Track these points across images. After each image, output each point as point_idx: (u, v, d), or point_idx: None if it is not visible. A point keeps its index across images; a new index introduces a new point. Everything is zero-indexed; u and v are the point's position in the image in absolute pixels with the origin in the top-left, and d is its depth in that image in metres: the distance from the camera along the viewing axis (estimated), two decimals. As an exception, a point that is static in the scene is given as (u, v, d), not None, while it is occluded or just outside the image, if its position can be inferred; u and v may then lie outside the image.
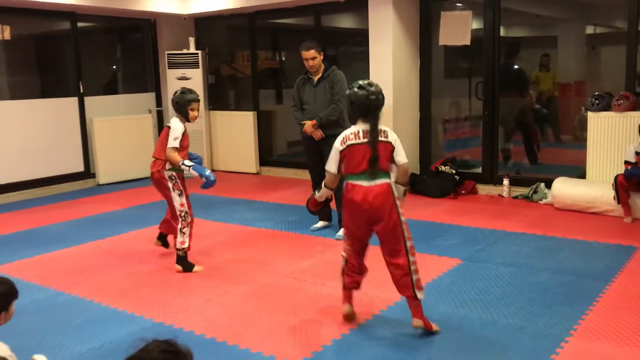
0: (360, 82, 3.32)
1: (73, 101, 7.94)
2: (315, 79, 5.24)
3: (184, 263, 4.45)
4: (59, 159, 7.75)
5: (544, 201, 6.23)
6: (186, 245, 4.43)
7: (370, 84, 3.30)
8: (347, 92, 3.35)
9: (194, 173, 4.31)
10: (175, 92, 4.57)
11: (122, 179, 8.19)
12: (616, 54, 6.54)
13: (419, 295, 3.24)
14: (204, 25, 9.06)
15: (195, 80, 8.60)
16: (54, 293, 4.06)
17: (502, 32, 6.91)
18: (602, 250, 4.65)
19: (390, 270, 3.31)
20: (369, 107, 3.23)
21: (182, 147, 4.39)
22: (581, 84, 7.64)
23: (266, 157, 8.79)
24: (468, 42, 6.71)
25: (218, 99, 9.23)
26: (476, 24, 6.88)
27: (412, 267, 3.24)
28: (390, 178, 3.27)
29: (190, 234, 4.47)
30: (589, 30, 8.06)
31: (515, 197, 6.52)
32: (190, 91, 4.54)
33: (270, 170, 8.65)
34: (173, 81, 8.63)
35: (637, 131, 5.38)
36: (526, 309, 3.55)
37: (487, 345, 3.12)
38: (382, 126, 3.27)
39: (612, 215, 5.57)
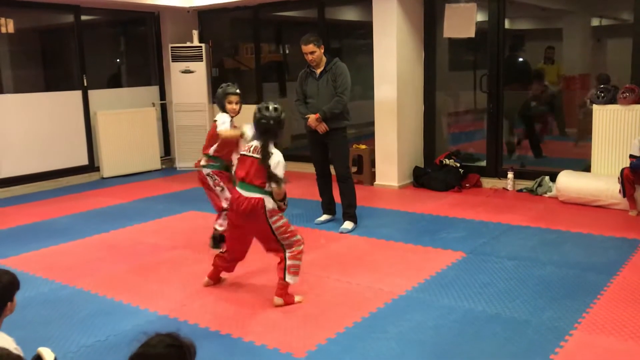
0: (265, 104, 3.77)
1: (77, 94, 7.95)
2: (318, 72, 5.22)
3: (217, 240, 4.64)
4: (63, 153, 7.76)
5: (548, 194, 6.21)
6: (224, 228, 4.51)
7: (267, 108, 3.72)
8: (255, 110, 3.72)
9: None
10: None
11: (126, 172, 8.21)
12: (622, 47, 6.50)
13: (289, 279, 3.61)
14: (208, 18, 9.04)
15: (198, 73, 8.60)
16: (59, 286, 4.08)
17: (507, 25, 6.87)
18: (606, 244, 4.64)
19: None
20: (261, 128, 3.65)
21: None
22: (586, 76, 7.60)
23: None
24: (472, 35, 6.67)
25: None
26: (481, 17, 6.84)
27: (288, 255, 3.62)
28: (263, 193, 3.57)
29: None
30: (595, 22, 8.01)
31: (520, 191, 6.50)
32: (229, 84, 4.69)
33: (274, 163, 8.62)
34: (177, 74, 8.62)
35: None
36: (530, 303, 3.55)
37: (491, 339, 3.12)
38: (272, 148, 3.62)
39: (617, 208, 5.55)
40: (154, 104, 8.84)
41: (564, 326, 3.22)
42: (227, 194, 4.47)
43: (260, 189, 3.57)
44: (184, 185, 7.50)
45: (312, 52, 5.10)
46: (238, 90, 4.69)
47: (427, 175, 6.86)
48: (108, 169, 8.08)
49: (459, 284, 3.89)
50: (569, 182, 5.88)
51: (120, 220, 5.79)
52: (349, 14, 9.01)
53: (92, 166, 8.10)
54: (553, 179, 6.16)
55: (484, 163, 6.98)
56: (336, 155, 5.29)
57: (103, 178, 8.04)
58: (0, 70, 7.41)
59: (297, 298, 3.69)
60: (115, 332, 3.31)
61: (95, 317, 3.53)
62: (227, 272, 3.99)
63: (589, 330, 3.17)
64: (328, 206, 5.54)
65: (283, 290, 3.64)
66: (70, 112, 7.85)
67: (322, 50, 5.18)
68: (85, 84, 7.98)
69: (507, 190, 6.59)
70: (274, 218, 3.61)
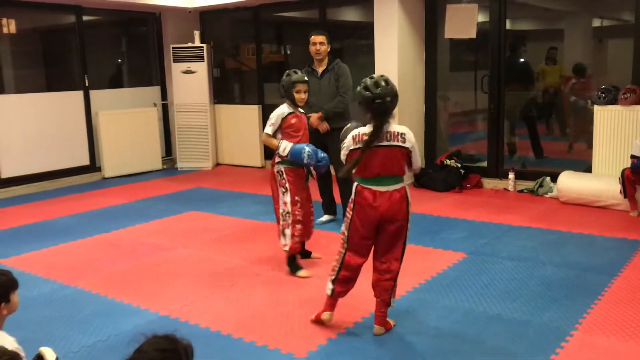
0: (369, 80, 3.12)
1: (78, 95, 7.96)
2: (320, 71, 5.24)
3: (290, 264, 4.18)
4: (65, 153, 7.77)
5: (549, 195, 6.21)
6: (287, 247, 4.12)
7: (377, 84, 3.09)
8: (357, 89, 3.17)
9: (292, 158, 4.02)
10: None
11: (127, 173, 8.21)
12: (623, 47, 6.50)
13: (393, 303, 3.23)
14: (209, 19, 9.05)
15: (200, 73, 8.61)
16: (60, 286, 4.08)
17: (508, 25, 6.87)
18: (607, 244, 4.64)
19: (379, 269, 3.21)
20: (374, 110, 3.06)
21: (287, 133, 4.13)
22: (588, 77, 7.59)
23: (271, 150, 8.75)
24: (474, 35, 6.67)
25: (223, 93, 9.23)
26: (482, 17, 6.84)
27: (397, 276, 3.22)
28: (403, 181, 3.14)
29: (292, 235, 4.09)
30: (596, 23, 8.00)
31: (521, 191, 6.50)
32: (295, 72, 4.24)
33: (275, 163, 8.64)
34: (178, 75, 8.63)
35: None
36: (531, 303, 3.55)
37: (491, 339, 3.12)
38: (399, 128, 3.11)
39: (617, 209, 5.55)
40: (155, 104, 8.85)
41: (565, 327, 3.22)
42: (287, 199, 4.10)
43: (400, 177, 3.13)
44: (185, 186, 7.51)
45: (321, 43, 5.14)
46: (306, 78, 4.25)
47: (428, 176, 6.86)
48: (109, 169, 8.09)
49: (459, 284, 3.90)
50: (569, 182, 5.88)
51: (121, 220, 5.80)
52: (350, 15, 9.01)
53: (93, 166, 8.11)
54: (554, 179, 6.16)
55: (485, 163, 6.98)
56: (336, 156, 5.28)
57: (104, 178, 8.05)
58: (2, 70, 7.42)
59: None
60: (116, 332, 3.32)
61: (96, 317, 3.54)
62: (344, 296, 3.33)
63: (590, 331, 3.17)
64: (329, 206, 5.54)
65: (385, 315, 3.21)
66: (71, 112, 7.86)
67: (329, 49, 5.21)
68: (87, 84, 7.99)
69: (508, 190, 6.58)
70: (410, 215, 3.15)
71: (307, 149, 4.03)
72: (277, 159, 4.17)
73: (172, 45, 8.62)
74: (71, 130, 7.85)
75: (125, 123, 8.22)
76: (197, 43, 8.62)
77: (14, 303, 2.32)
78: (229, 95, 9.45)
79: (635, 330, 3.16)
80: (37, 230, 5.60)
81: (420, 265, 4.28)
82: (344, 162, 3.22)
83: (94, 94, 8.07)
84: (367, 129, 3.08)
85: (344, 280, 3.24)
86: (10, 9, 7.36)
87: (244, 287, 3.98)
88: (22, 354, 2.04)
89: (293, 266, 4.17)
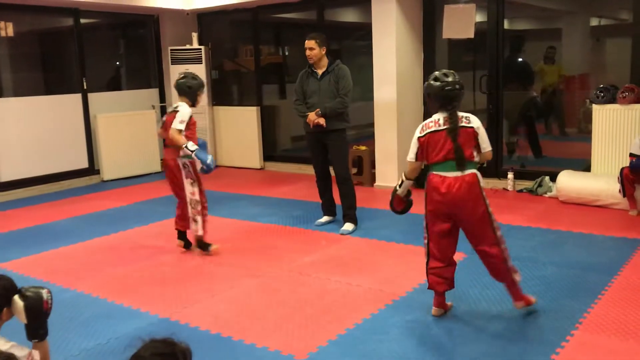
0: (437, 73, 3.27)
1: (77, 98, 7.95)
2: (320, 72, 5.24)
3: (202, 245, 4.65)
4: (64, 156, 7.77)
5: (548, 194, 6.21)
6: (201, 233, 4.58)
7: (446, 74, 3.24)
8: (425, 84, 3.32)
9: (196, 159, 4.43)
10: (183, 76, 4.72)
11: (126, 175, 8.21)
12: (621, 46, 6.50)
13: (517, 277, 3.25)
14: (207, 21, 9.05)
15: (198, 75, 8.59)
16: (60, 289, 4.08)
17: (506, 25, 6.87)
18: (607, 244, 4.64)
19: (483, 259, 3.28)
20: (445, 97, 3.19)
21: (190, 130, 4.50)
22: (586, 76, 7.60)
23: (270, 152, 8.79)
24: (472, 35, 6.68)
25: (221, 95, 9.23)
26: (480, 17, 6.84)
27: (505, 255, 3.22)
28: (475, 167, 3.20)
29: (203, 222, 4.57)
30: (594, 22, 8.01)
31: (520, 191, 6.50)
32: (198, 77, 4.75)
33: (274, 165, 8.65)
34: (176, 77, 8.59)
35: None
36: (531, 303, 3.55)
37: (492, 339, 3.12)
38: (463, 113, 3.22)
39: (617, 208, 5.55)
40: (153, 107, 8.84)
41: (565, 326, 3.22)
42: (196, 189, 4.53)
43: (471, 162, 3.17)
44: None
45: (310, 48, 5.14)
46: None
47: (427, 176, 6.85)
48: (108, 171, 8.09)
49: (460, 284, 3.88)
50: (569, 182, 5.89)
51: (121, 223, 5.80)
52: (349, 16, 9.02)
53: (92, 169, 8.10)
54: (553, 179, 6.16)
55: (484, 163, 6.97)
56: (336, 157, 5.29)
57: (103, 181, 8.05)
58: (0, 74, 7.42)
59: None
60: (117, 335, 3.31)
61: (96, 320, 3.53)
62: (449, 287, 3.36)
63: (590, 330, 3.17)
64: (328, 207, 5.54)
65: (519, 291, 3.28)
66: (70, 115, 7.85)
67: (324, 52, 5.20)
68: (85, 87, 7.99)
69: (507, 190, 6.59)
70: (487, 200, 3.18)
71: (211, 156, 4.50)
72: (181, 153, 4.48)
73: (170, 48, 8.62)
74: (70, 133, 7.84)
75: (124, 126, 8.21)
76: (195, 45, 8.62)
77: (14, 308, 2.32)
78: (227, 97, 9.45)
79: (636, 329, 3.16)
80: (37, 233, 5.60)
81: (420, 266, 4.25)
82: (410, 159, 3.33)
83: (92, 96, 8.07)
84: (435, 117, 3.22)
85: (435, 271, 3.31)
86: (8, 12, 7.36)
87: (243, 289, 3.98)
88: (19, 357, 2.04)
89: (205, 245, 4.64)
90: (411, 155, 3.32)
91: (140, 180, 8.13)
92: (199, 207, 4.55)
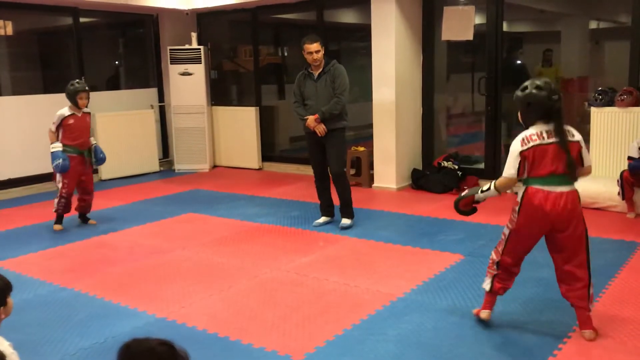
0: (537, 81, 3.02)
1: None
2: (316, 73, 5.24)
3: (57, 220, 5.63)
4: (62, 155, 7.74)
5: (546, 197, 6.20)
6: (54, 208, 5.57)
7: (548, 83, 3.01)
8: (520, 93, 3.05)
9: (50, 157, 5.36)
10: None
11: (124, 175, 8.20)
12: (620, 49, 6.51)
13: (591, 307, 3.15)
14: (206, 21, 9.05)
15: (197, 75, 8.60)
16: (57, 288, 4.07)
17: (505, 27, 6.88)
18: (604, 246, 4.64)
19: (565, 279, 3.16)
20: (551, 108, 2.97)
21: (65, 131, 5.43)
22: (584, 79, 7.61)
23: (268, 152, 8.79)
24: (471, 37, 6.68)
25: (220, 95, 9.23)
26: (479, 19, 6.85)
27: (591, 281, 3.13)
28: (574, 184, 3.04)
29: (58, 202, 5.54)
30: (593, 25, 8.03)
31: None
32: (78, 82, 5.48)
33: (272, 165, 8.65)
34: (175, 77, 8.63)
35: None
36: (528, 305, 3.55)
37: (489, 341, 3.12)
38: (567, 126, 3.03)
39: (615, 210, 5.55)
40: (152, 106, 8.84)
41: (562, 329, 3.22)
42: (60, 178, 5.47)
43: (572, 179, 3.03)
44: (182, 188, 7.50)
45: (317, 51, 5.13)
46: (87, 87, 5.51)
47: (426, 178, 6.86)
48: (106, 171, 8.08)
49: (457, 286, 3.89)
50: (567, 184, 5.88)
51: (118, 222, 5.79)
52: (348, 17, 9.02)
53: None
54: (551, 181, 6.15)
55: (482, 165, 6.99)
56: (332, 153, 5.29)
57: (101, 180, 8.03)
58: (-1, 72, 7.41)
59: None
60: (113, 335, 3.31)
61: (93, 320, 3.53)
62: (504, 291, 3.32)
63: (587, 333, 3.17)
64: (327, 208, 5.54)
65: (590, 319, 3.13)
66: (68, 114, 7.82)
67: (323, 52, 5.21)
68: (84, 86, 7.96)
69: (506, 192, 6.57)
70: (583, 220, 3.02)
71: (58, 161, 5.35)
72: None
73: (169, 47, 8.61)
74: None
75: (123, 125, 8.21)
76: (195, 45, 8.62)
77: (9, 306, 2.31)
78: (226, 97, 9.45)
79: (634, 331, 3.17)
80: (34, 232, 5.59)
81: (418, 267, 4.28)
82: (511, 175, 3.13)
83: (91, 95, 7.98)
84: (541, 128, 3.00)
85: (502, 278, 3.25)
86: (7, 10, 7.35)
87: (241, 289, 3.98)
88: (17, 359, 2.03)
89: (58, 220, 5.62)
90: (512, 171, 3.09)
91: (138, 179, 8.13)
92: (58, 193, 5.52)
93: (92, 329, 3.39)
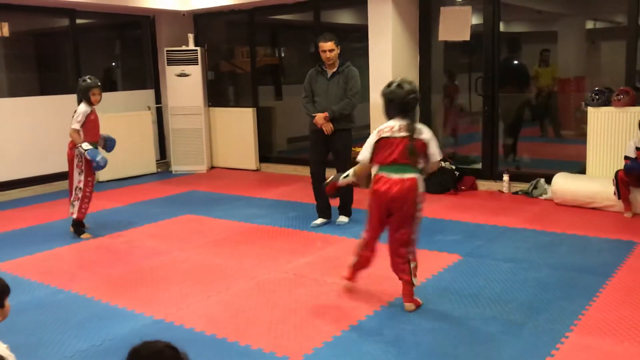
0: (400, 81, 3.54)
1: (72, 98, 7.84)
2: (330, 72, 5.28)
3: (77, 229, 5.30)
4: (59, 156, 7.67)
5: (544, 197, 6.22)
6: (76, 216, 5.22)
7: (409, 82, 3.54)
8: (385, 89, 3.56)
9: (87, 157, 5.07)
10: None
11: (122, 176, 8.19)
12: (616, 49, 6.53)
13: (415, 281, 3.53)
14: (203, 22, 9.05)
15: (194, 76, 8.60)
16: (54, 290, 4.06)
17: (502, 28, 6.89)
18: (602, 246, 4.65)
19: (392, 254, 3.57)
20: (407, 105, 3.45)
21: (87, 128, 5.18)
22: (581, 79, 7.62)
23: (266, 153, 8.79)
24: (468, 38, 6.69)
25: (217, 96, 9.22)
26: (476, 19, 6.86)
27: (411, 257, 3.51)
28: (418, 173, 3.45)
29: (80, 208, 5.21)
30: (589, 25, 8.04)
31: (515, 193, 6.51)
32: (90, 78, 5.31)
33: (269, 166, 8.65)
34: (172, 78, 8.62)
35: (637, 126, 5.37)
36: (526, 305, 3.55)
37: (487, 341, 3.12)
38: (417, 124, 3.48)
39: (612, 210, 5.56)
40: (149, 108, 8.83)
41: (560, 328, 3.22)
42: (82, 178, 5.17)
43: (413, 167, 3.43)
44: (179, 189, 7.49)
45: (330, 50, 5.20)
46: (99, 83, 5.34)
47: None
48: (103, 172, 8.03)
49: (455, 286, 3.90)
50: (564, 184, 5.90)
51: (115, 224, 5.78)
52: (345, 17, 9.03)
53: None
54: (548, 181, 6.17)
55: (479, 165, 6.99)
56: (339, 155, 5.37)
57: (99, 182, 8.01)
58: (-5, 74, 7.40)
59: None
60: (111, 337, 3.30)
61: (90, 322, 3.52)
62: (368, 266, 3.76)
63: (585, 332, 3.17)
64: (325, 210, 5.54)
65: (411, 293, 3.53)
66: (65, 116, 7.73)
67: (338, 52, 5.26)
68: (81, 88, 7.95)
69: (503, 192, 6.60)
70: (420, 206, 3.49)
71: (99, 156, 5.09)
72: (86, 145, 5.12)
73: (166, 49, 8.61)
74: (65, 134, 7.72)
75: (119, 126, 8.17)
76: (191, 46, 8.61)
77: (6, 309, 2.30)
78: (223, 98, 9.45)
79: (631, 331, 3.17)
80: (32, 234, 5.58)
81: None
82: (365, 159, 3.57)
83: (87, 97, 8.03)
84: (395, 122, 3.47)
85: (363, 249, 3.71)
86: (3, 12, 7.33)
87: (239, 290, 3.97)
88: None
89: (79, 230, 5.29)
90: (364, 156, 3.57)
91: (135, 181, 8.12)
92: (80, 194, 5.18)
93: (89, 331, 3.39)
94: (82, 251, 4.98)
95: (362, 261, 3.74)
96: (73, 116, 5.23)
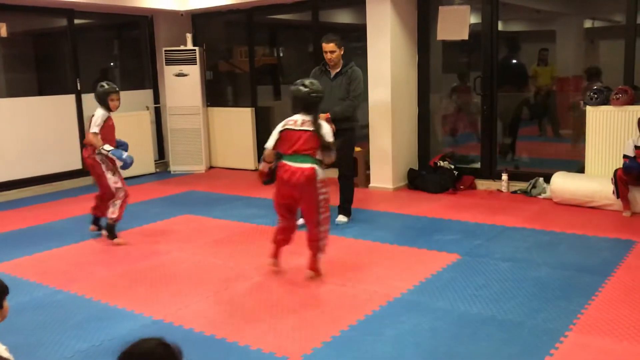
0: (305, 81, 3.94)
1: (70, 98, 7.92)
2: (333, 72, 5.29)
3: (111, 231, 5.09)
4: (57, 157, 7.74)
5: (542, 196, 6.23)
6: (116, 215, 5.05)
7: (312, 83, 3.94)
8: (292, 87, 3.97)
9: (112, 156, 5.01)
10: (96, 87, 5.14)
11: (120, 176, 8.17)
12: (615, 48, 6.53)
13: (319, 255, 4.03)
14: (201, 22, 9.04)
15: (192, 76, 8.59)
16: (53, 291, 4.06)
17: (500, 27, 6.89)
18: (601, 245, 4.65)
19: (307, 233, 4.04)
20: (310, 102, 3.89)
21: (105, 132, 5.04)
22: (579, 78, 7.63)
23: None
24: (466, 37, 6.69)
25: (216, 96, 9.22)
26: (474, 19, 6.86)
27: (321, 235, 3.97)
28: (316, 163, 3.86)
29: (121, 206, 5.07)
30: (588, 24, 8.05)
31: (514, 192, 6.51)
32: (108, 83, 5.12)
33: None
34: (171, 78, 8.61)
35: (636, 125, 5.37)
36: (525, 304, 3.55)
37: (486, 341, 3.12)
38: (319, 120, 3.92)
39: (610, 209, 5.57)
40: (147, 108, 8.82)
41: (559, 327, 3.22)
42: (117, 178, 5.06)
43: (313, 158, 3.84)
44: (178, 189, 7.49)
45: (332, 51, 5.22)
46: (117, 88, 5.16)
47: (422, 177, 6.86)
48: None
49: (454, 286, 3.90)
50: (563, 183, 5.90)
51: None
52: (343, 17, 9.02)
53: (85, 170, 8.06)
54: (547, 180, 6.18)
55: (478, 165, 7.00)
56: (342, 155, 5.36)
57: (97, 182, 8.01)
58: (-6, 74, 7.39)
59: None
60: (110, 337, 3.30)
61: (89, 322, 3.52)
62: (287, 244, 4.20)
63: (584, 331, 3.18)
64: None
65: (316, 264, 4.04)
66: (64, 116, 7.82)
67: (342, 52, 5.26)
68: (79, 88, 7.96)
69: (502, 191, 6.60)
70: (323, 190, 3.88)
71: (125, 154, 5.04)
72: (96, 151, 5.00)
73: (164, 49, 8.60)
74: (63, 134, 7.81)
75: (118, 126, 8.00)
76: (190, 46, 8.60)
77: (5, 309, 2.30)
78: (222, 98, 9.44)
79: (629, 330, 3.17)
80: (30, 234, 5.57)
81: (415, 267, 4.29)
82: (269, 146, 3.97)
83: (86, 97, 8.02)
84: (299, 117, 3.92)
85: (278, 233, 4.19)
86: (1, 12, 7.32)
87: (238, 290, 3.97)
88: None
89: (113, 234, 5.08)
90: (269, 144, 3.97)
91: (134, 181, 8.10)
92: (121, 194, 5.06)
93: (88, 332, 3.38)
94: (80, 251, 4.97)
95: (279, 244, 4.18)
96: (90, 121, 5.06)
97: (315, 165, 3.83)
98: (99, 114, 5.02)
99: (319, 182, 3.84)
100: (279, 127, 3.95)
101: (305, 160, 3.82)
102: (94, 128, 4.97)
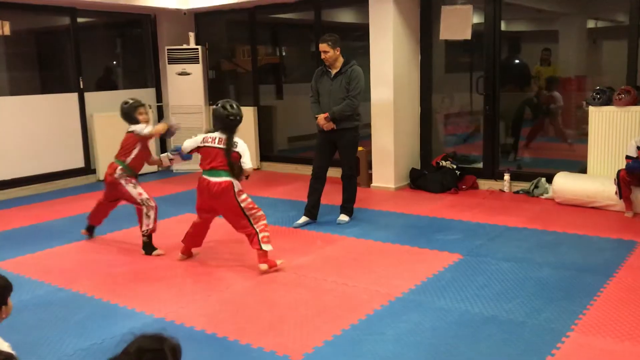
0: (227, 103, 4.30)
1: (73, 97, 7.93)
2: (333, 72, 5.29)
3: (148, 247, 4.79)
4: (60, 155, 7.74)
5: (545, 196, 6.22)
6: (151, 227, 4.81)
7: (232, 106, 4.28)
8: (214, 107, 4.36)
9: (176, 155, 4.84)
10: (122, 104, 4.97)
11: (122, 175, 8.18)
12: (617, 48, 6.52)
13: (265, 247, 4.17)
14: (204, 21, 9.04)
15: (195, 75, 8.59)
16: (55, 289, 4.07)
17: (503, 27, 6.88)
18: (603, 245, 4.65)
19: (247, 238, 4.26)
20: (227, 124, 4.24)
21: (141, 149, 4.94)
22: (582, 78, 7.61)
23: (267, 152, 8.78)
24: (469, 37, 6.69)
25: (218, 94, 9.18)
26: (477, 18, 6.85)
27: (258, 229, 4.18)
28: (232, 177, 4.18)
29: (155, 218, 4.84)
30: (590, 24, 8.03)
31: (516, 192, 6.51)
32: (132, 99, 4.97)
33: (270, 165, 8.64)
34: (173, 76, 8.61)
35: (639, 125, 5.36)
36: (527, 304, 3.55)
37: (487, 341, 3.12)
38: (236, 138, 4.25)
39: (613, 209, 5.56)
40: (150, 106, 8.78)
41: (561, 327, 3.22)
42: (140, 189, 4.86)
43: (228, 172, 4.18)
44: (180, 188, 7.49)
45: (325, 52, 5.20)
46: (143, 102, 5.05)
47: (424, 177, 6.86)
48: (104, 171, 8.01)
49: (455, 285, 3.89)
50: (565, 183, 5.89)
51: (116, 222, 5.76)
52: (346, 16, 9.02)
53: (88, 168, 8.08)
54: (549, 180, 6.17)
55: (480, 165, 6.99)
56: (345, 154, 5.39)
57: (99, 180, 8.01)
58: (-4, 72, 7.40)
59: (278, 262, 4.26)
60: (112, 335, 3.30)
61: (91, 320, 3.52)
62: (198, 247, 4.60)
63: (586, 332, 3.17)
64: (311, 210, 5.52)
65: (264, 257, 4.18)
66: (66, 114, 7.83)
67: (338, 52, 5.29)
68: (82, 86, 7.97)
69: (504, 191, 6.59)
70: (242, 197, 4.21)
71: (172, 123, 5.14)
72: (117, 170, 4.82)
73: (167, 47, 8.60)
74: (66, 133, 7.82)
75: (121, 125, 8.02)
76: (192, 45, 8.61)
77: (9, 307, 2.31)
78: (224, 97, 9.36)
79: (631, 330, 3.17)
80: (32, 233, 5.58)
81: (416, 266, 4.28)
82: (185, 148, 4.44)
83: (88, 96, 8.05)
84: (217, 135, 4.27)
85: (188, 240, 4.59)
86: (4, 10, 7.33)
87: (239, 289, 3.97)
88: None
89: (150, 247, 4.78)
90: (187, 146, 4.45)
91: (136, 180, 8.11)
92: (152, 203, 4.84)
93: (90, 330, 3.39)
94: (82, 250, 4.98)
95: (188, 238, 4.53)
96: (133, 132, 4.85)
97: (231, 179, 4.16)
98: (139, 126, 4.82)
99: (237, 193, 4.17)
100: (199, 139, 4.34)
101: (222, 174, 4.16)
102: (145, 131, 4.78)
